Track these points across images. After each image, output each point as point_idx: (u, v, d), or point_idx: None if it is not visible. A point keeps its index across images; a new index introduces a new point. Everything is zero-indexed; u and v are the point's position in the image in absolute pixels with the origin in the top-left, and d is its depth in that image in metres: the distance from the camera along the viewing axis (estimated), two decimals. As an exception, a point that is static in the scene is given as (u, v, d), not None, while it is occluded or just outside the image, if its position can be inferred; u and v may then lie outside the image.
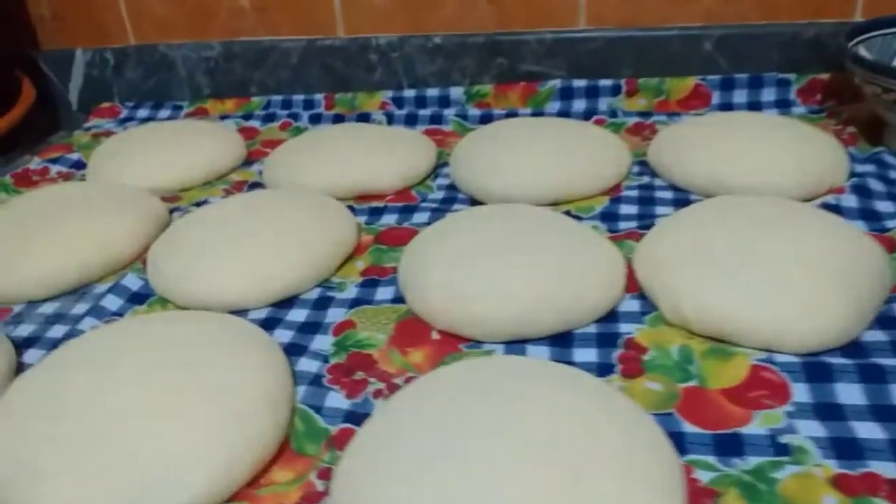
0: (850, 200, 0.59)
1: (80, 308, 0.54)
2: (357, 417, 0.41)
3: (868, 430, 0.38)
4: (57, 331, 0.51)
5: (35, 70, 0.93)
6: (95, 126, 0.88)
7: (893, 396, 0.40)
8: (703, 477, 0.36)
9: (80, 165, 0.78)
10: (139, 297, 0.54)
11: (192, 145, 0.73)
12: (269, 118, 0.86)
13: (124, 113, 0.91)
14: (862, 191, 0.60)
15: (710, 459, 0.37)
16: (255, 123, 0.85)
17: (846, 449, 0.37)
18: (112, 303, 0.53)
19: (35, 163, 0.77)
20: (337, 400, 0.43)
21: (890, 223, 0.56)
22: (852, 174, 0.63)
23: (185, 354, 0.41)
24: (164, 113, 0.90)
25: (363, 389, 0.44)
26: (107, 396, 0.38)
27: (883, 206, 0.58)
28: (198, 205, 0.67)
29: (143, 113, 0.90)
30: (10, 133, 0.82)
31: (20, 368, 0.48)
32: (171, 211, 0.66)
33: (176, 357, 0.41)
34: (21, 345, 0.50)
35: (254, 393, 0.40)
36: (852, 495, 0.34)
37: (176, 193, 0.70)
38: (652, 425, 0.36)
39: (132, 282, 0.55)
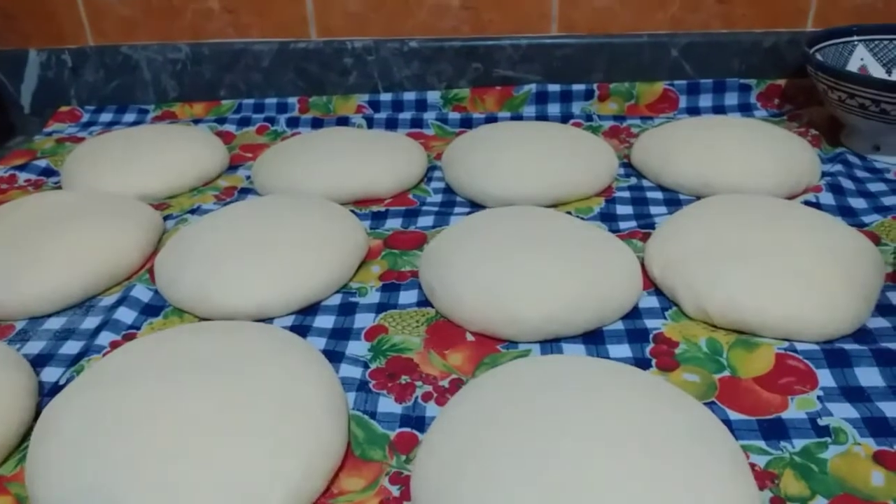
0: (827, 198, 0.63)
1: (90, 322, 0.52)
2: (412, 421, 0.42)
3: (894, 409, 0.41)
4: (71, 347, 0.49)
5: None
6: (56, 131, 0.84)
7: (907, 376, 0.43)
8: (759, 461, 0.38)
9: (49, 173, 0.74)
10: (152, 310, 0.52)
11: (175, 150, 0.71)
12: (244, 122, 0.84)
13: (86, 117, 0.87)
14: (836, 189, 0.64)
15: (761, 444, 0.40)
16: (229, 128, 0.83)
17: (880, 427, 0.40)
18: (126, 316, 0.51)
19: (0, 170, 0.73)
20: (389, 405, 0.43)
21: (866, 218, 0.60)
22: (823, 174, 0.68)
23: (237, 366, 0.41)
24: (130, 117, 0.86)
25: (412, 393, 0.44)
26: (170, 413, 0.37)
27: (856, 202, 0.63)
28: (191, 212, 0.65)
29: (106, 117, 0.87)
30: (-35, 139, 0.77)
31: (40, 388, 0.45)
32: (164, 219, 0.64)
33: (229, 369, 0.40)
34: (34, 362, 0.47)
35: (317, 401, 0.39)
36: (894, 469, 0.37)
37: (163, 201, 0.68)
38: (709, 414, 0.39)
39: (142, 293, 0.54)
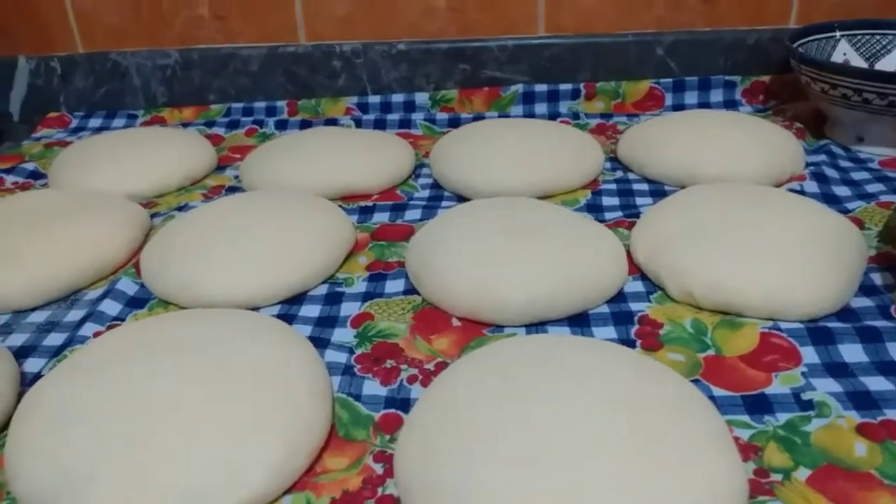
0: (812, 186, 0.63)
1: (74, 315, 0.51)
2: (397, 403, 0.42)
3: (877, 384, 0.41)
4: (55, 338, 0.49)
5: (-29, 80, 0.88)
6: (45, 136, 0.84)
7: (890, 353, 0.43)
8: (743, 434, 0.38)
9: (37, 175, 0.74)
10: (138, 302, 0.52)
11: (163, 151, 0.71)
12: (233, 125, 0.85)
13: (75, 123, 0.87)
14: (820, 177, 0.65)
15: (745, 418, 0.39)
16: (218, 130, 0.83)
17: (862, 401, 0.40)
18: (110, 308, 0.51)
19: (-14, 173, 0.73)
20: (374, 388, 0.43)
21: (850, 205, 0.61)
22: (807, 164, 0.68)
23: (220, 349, 0.41)
24: (119, 122, 0.87)
25: (397, 376, 0.44)
26: (150, 394, 0.37)
27: (840, 190, 0.64)
28: (179, 209, 0.65)
29: (95, 122, 0.87)
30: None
31: (23, 379, 0.45)
32: (152, 216, 0.64)
33: (212, 352, 0.40)
34: (17, 354, 0.47)
35: (300, 383, 0.39)
36: (878, 441, 0.37)
37: (150, 200, 0.68)
38: (693, 388, 0.38)
39: (127, 286, 0.54)
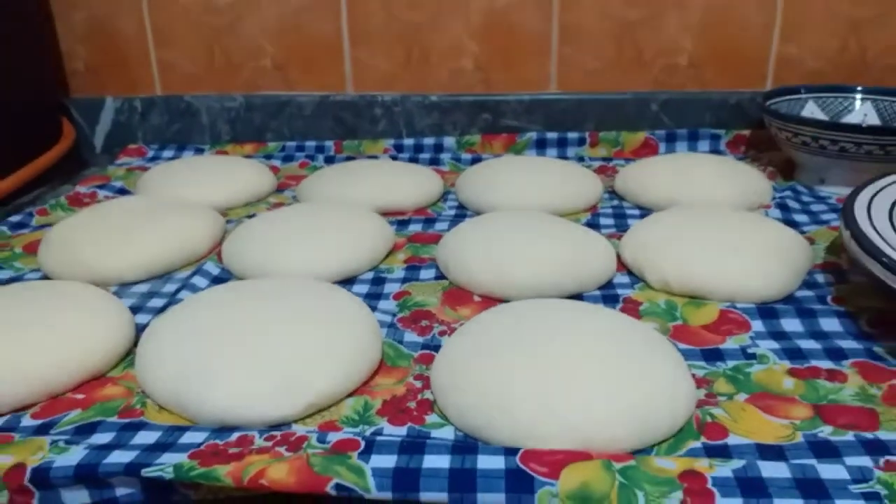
0: (775, 213, 0.76)
1: (170, 287, 0.64)
2: (431, 347, 0.54)
3: (808, 344, 0.52)
4: (157, 302, 0.61)
5: (65, 115, 1.03)
6: (125, 163, 0.99)
7: (821, 325, 0.55)
8: (699, 373, 0.50)
9: (124, 192, 0.88)
10: (221, 280, 0.65)
11: (232, 173, 0.85)
12: (288, 158, 0.99)
13: (151, 153, 1.01)
14: (783, 207, 0.78)
15: (702, 363, 0.51)
16: (275, 162, 0.97)
17: (794, 354, 0.51)
18: (199, 282, 0.64)
19: (82, 188, 0.87)
20: (412, 337, 0.55)
21: (806, 228, 0.73)
22: (774, 198, 0.81)
23: (298, 299, 0.53)
24: (188, 154, 1.01)
25: (430, 331, 0.56)
26: (250, 320, 0.50)
27: (799, 217, 0.76)
28: (248, 217, 0.78)
29: (167, 153, 1.01)
30: (53, 165, 0.91)
31: (136, 328, 0.57)
32: (226, 222, 0.77)
33: (292, 300, 0.53)
34: (128, 311, 0.60)
35: (359, 322, 0.52)
36: (802, 378, 0.49)
37: (223, 211, 0.81)
38: (660, 335, 0.50)
39: (212, 268, 0.66)
